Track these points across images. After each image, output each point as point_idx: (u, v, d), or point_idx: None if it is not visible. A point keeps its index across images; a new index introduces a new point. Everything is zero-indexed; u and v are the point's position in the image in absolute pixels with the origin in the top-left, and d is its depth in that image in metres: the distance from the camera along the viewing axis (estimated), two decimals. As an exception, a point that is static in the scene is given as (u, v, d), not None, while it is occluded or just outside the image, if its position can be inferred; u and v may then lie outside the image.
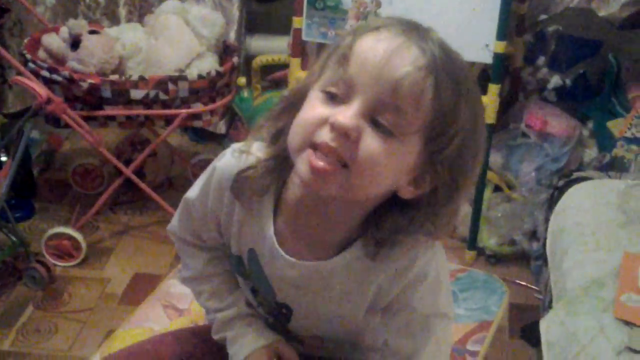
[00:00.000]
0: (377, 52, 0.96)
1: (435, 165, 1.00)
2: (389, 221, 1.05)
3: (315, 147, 0.97)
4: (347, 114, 0.95)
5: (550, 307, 1.74)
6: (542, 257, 2.14)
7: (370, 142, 0.96)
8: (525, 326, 2.23)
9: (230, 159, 1.14)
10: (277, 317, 1.23)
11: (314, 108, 0.99)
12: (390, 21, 1.01)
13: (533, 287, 2.42)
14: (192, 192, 1.22)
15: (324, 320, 1.19)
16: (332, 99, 0.98)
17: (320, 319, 1.19)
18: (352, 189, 0.98)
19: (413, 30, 0.99)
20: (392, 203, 1.05)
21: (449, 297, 1.17)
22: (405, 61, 0.95)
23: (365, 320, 1.16)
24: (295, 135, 1.01)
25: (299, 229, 1.11)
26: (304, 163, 0.98)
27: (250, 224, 1.15)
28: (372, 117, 0.96)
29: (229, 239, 1.20)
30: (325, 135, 0.96)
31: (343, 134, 0.95)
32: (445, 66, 0.97)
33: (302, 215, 1.10)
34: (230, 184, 1.14)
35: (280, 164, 1.09)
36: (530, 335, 2.16)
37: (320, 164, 0.96)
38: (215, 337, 1.28)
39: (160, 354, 1.30)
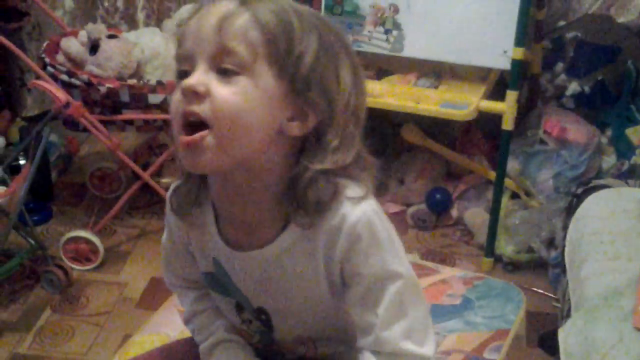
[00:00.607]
0: (195, 18, 1.04)
1: (304, 93, 1.03)
2: (300, 172, 1.05)
3: (185, 128, 1.01)
4: (192, 76, 1.01)
5: (568, 316, 1.73)
6: (560, 265, 2.13)
7: (221, 89, 1.00)
8: (543, 335, 2.22)
9: (173, 183, 1.20)
10: (262, 326, 1.24)
11: (175, 95, 1.04)
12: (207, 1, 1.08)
13: (551, 295, 2.41)
14: (163, 235, 1.29)
15: (300, 314, 1.19)
16: (184, 76, 1.03)
17: (296, 314, 1.19)
18: (227, 144, 1.01)
19: None
20: (295, 162, 1.07)
21: (396, 255, 1.11)
22: (219, 9, 1.02)
23: (339, 305, 1.16)
24: (172, 128, 1.05)
25: (232, 220, 1.13)
26: (180, 149, 1.03)
27: (203, 235, 1.18)
28: (218, 68, 1.01)
29: (197, 258, 1.23)
30: (183, 107, 1.01)
31: (192, 93, 1.00)
32: (258, 2, 1.03)
33: (227, 205, 1.12)
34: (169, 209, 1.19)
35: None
36: (548, 344, 2.15)
37: (187, 138, 1.00)
38: None
39: None
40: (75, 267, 2.55)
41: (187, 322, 1.34)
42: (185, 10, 2.67)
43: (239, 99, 1.00)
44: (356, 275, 1.10)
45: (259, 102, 1.01)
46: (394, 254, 1.11)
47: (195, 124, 1.01)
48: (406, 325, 1.12)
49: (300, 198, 1.05)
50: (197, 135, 1.00)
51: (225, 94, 1.00)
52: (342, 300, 1.15)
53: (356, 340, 1.16)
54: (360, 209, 1.07)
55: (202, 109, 1.00)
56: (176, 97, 1.03)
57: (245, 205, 1.10)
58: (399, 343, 1.11)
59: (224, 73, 1.01)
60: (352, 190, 1.08)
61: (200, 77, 1.00)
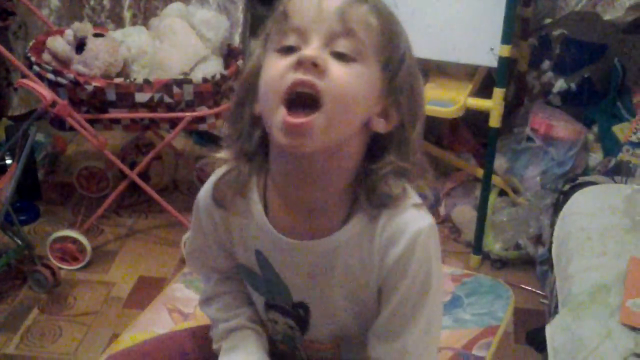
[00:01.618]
0: None
1: (396, 94, 1.06)
2: (373, 168, 1.08)
3: (287, 100, 1.00)
4: (309, 48, 1.01)
5: (556, 312, 1.74)
6: (548, 261, 2.13)
7: (337, 69, 1.00)
8: (530, 331, 2.23)
9: (208, 183, 1.19)
10: (294, 325, 1.23)
11: (275, 65, 1.03)
12: None
13: (538, 291, 2.42)
14: (190, 232, 1.29)
15: (339, 315, 1.19)
16: (289, 51, 1.03)
17: (336, 315, 1.19)
18: (332, 127, 1.01)
19: None
20: (373, 155, 1.09)
21: (439, 279, 1.15)
22: None
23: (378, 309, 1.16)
24: (265, 96, 1.04)
25: (294, 205, 1.13)
26: (279, 128, 1.01)
27: (247, 226, 1.16)
28: (331, 50, 1.02)
29: (235, 252, 1.22)
30: (294, 75, 1.00)
31: (311, 64, 0.99)
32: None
33: (292, 188, 1.11)
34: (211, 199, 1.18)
35: (252, 157, 1.12)
36: (535, 340, 2.16)
37: (295, 121, 0.99)
38: (215, 346, 1.28)
39: (158, 356, 1.31)
40: (63, 267, 2.54)
41: (206, 301, 1.32)
42: (174, 8, 2.66)
43: (354, 81, 1.02)
44: (398, 282, 1.11)
45: (366, 90, 1.04)
46: (437, 272, 1.13)
47: (297, 101, 1.00)
48: (423, 347, 1.15)
49: (371, 188, 1.08)
50: (309, 118, 0.99)
51: (342, 75, 1.01)
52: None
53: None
54: (424, 221, 1.10)
55: (319, 82, 0.99)
56: (279, 68, 1.02)
57: (314, 189, 1.10)
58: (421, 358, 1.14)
59: (339, 57, 1.01)
60: (415, 197, 1.11)
61: (318, 51, 1.00)
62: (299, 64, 0.99)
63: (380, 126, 1.07)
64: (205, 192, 1.19)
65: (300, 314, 1.21)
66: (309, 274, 1.15)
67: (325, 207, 1.11)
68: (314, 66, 0.99)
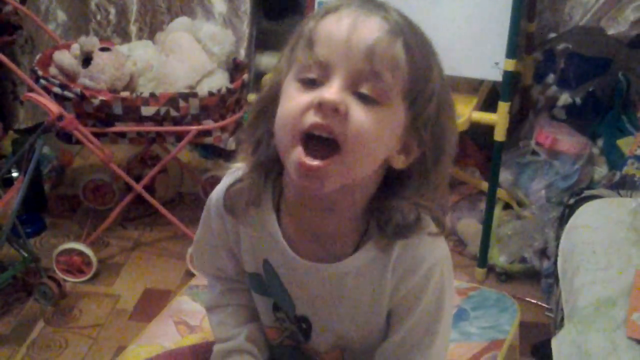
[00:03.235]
0: (342, 27, 0.97)
1: (419, 130, 1.02)
2: (389, 200, 1.05)
3: (305, 139, 0.97)
4: (331, 91, 0.96)
5: (561, 325, 1.74)
6: (553, 275, 2.13)
7: (359, 114, 0.96)
8: (536, 344, 2.22)
9: (222, 184, 1.17)
10: (296, 333, 1.23)
11: (294, 98, 0.99)
12: (346, 0, 1.02)
13: (544, 305, 2.41)
14: (198, 229, 1.26)
15: (342, 332, 1.19)
16: (310, 84, 0.99)
17: (339, 332, 1.19)
18: (350, 171, 0.99)
19: (369, 3, 1.01)
20: (388, 184, 1.06)
21: (451, 307, 1.15)
22: (372, 29, 0.97)
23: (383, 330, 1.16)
24: (282, 131, 1.00)
25: (306, 227, 1.11)
26: (294, 167, 0.98)
27: (258, 236, 1.15)
28: (354, 90, 0.97)
29: (242, 257, 1.21)
30: (312, 118, 0.96)
31: (332, 109, 0.95)
32: (408, 29, 1.00)
33: (304, 211, 1.09)
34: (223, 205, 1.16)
35: (267, 169, 1.10)
36: (541, 353, 2.16)
37: (311, 164, 0.96)
38: None
39: None
40: (69, 279, 2.54)
41: (209, 310, 1.33)
42: (180, 22, 2.67)
43: (375, 127, 0.97)
44: (410, 310, 1.11)
45: (388, 134, 1.00)
46: (449, 303, 1.13)
47: (316, 140, 0.97)
48: None
49: (385, 218, 1.05)
50: (325, 162, 0.96)
51: (364, 119, 0.96)
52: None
53: None
54: (440, 252, 1.09)
55: (338, 128, 0.96)
56: (298, 104, 0.98)
57: (326, 217, 1.08)
58: None
59: (363, 98, 0.97)
60: (432, 226, 1.08)
61: (340, 94, 0.96)
62: (319, 107, 0.96)
63: (399, 163, 1.04)
64: (217, 194, 1.18)
65: (302, 326, 1.21)
66: (315, 294, 1.15)
67: (337, 234, 1.10)
68: (335, 111, 0.95)
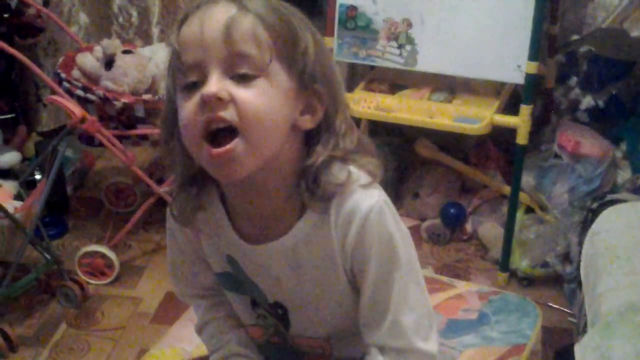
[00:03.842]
0: (194, 27, 1.02)
1: (312, 87, 1.06)
2: (317, 169, 1.08)
3: (207, 136, 1.01)
4: (210, 84, 1.00)
5: (584, 331, 1.73)
6: (576, 280, 2.12)
7: (243, 93, 1.00)
8: (559, 350, 2.21)
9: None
10: (278, 325, 1.25)
11: (185, 106, 1.03)
12: (194, 5, 1.06)
13: (566, 310, 2.40)
14: (167, 252, 1.31)
15: (317, 307, 1.20)
16: (194, 88, 1.02)
17: (314, 308, 1.20)
18: (258, 147, 1.02)
19: (209, 1, 1.05)
20: (305, 151, 1.09)
21: (404, 245, 1.14)
22: (219, 15, 1.01)
23: (356, 299, 1.17)
24: (187, 139, 1.05)
25: (250, 216, 1.14)
26: (207, 162, 1.03)
27: (216, 235, 1.19)
28: (232, 75, 1.01)
29: (210, 260, 1.24)
30: (204, 115, 1.00)
31: (215, 100, 0.99)
32: (255, 3, 1.04)
33: (243, 202, 1.13)
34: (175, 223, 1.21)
35: (192, 176, 1.14)
36: (564, 359, 2.15)
37: (219, 150, 1.00)
38: None
39: None
40: (91, 282, 2.56)
41: (199, 331, 1.36)
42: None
43: (262, 100, 1.01)
44: (365, 264, 1.12)
45: (279, 101, 1.03)
46: (402, 245, 1.13)
47: (217, 133, 1.01)
48: (413, 319, 1.14)
49: (314, 183, 1.08)
50: (229, 146, 1.00)
51: (249, 97, 1.00)
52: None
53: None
54: (372, 198, 1.10)
55: (230, 115, 1.00)
56: (189, 109, 1.02)
57: (262, 201, 1.11)
58: (407, 337, 1.14)
59: (242, 78, 1.01)
60: (363, 177, 1.10)
61: (217, 84, 1.00)
62: (204, 103, 1.00)
63: (308, 123, 1.08)
64: (168, 211, 1.21)
65: (279, 313, 1.23)
66: (276, 276, 1.17)
67: (278, 212, 1.12)
68: (219, 100, 0.99)
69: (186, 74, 1.03)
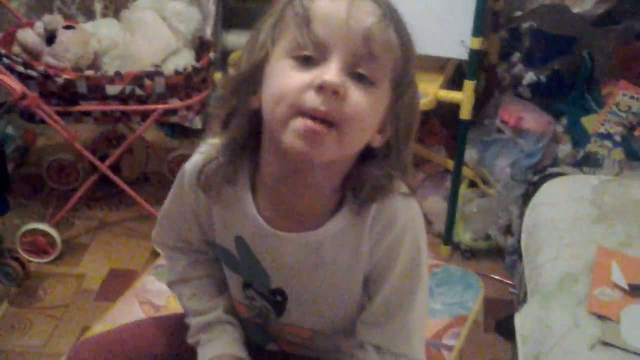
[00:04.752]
0: (340, 8, 1.00)
1: (398, 112, 1.06)
2: (364, 173, 1.08)
3: (303, 114, 0.98)
4: (332, 73, 0.98)
5: (524, 301, 1.76)
6: (517, 252, 2.15)
7: (357, 96, 1.00)
8: (500, 320, 2.24)
9: (196, 158, 1.17)
10: (266, 310, 1.25)
11: (291, 75, 1.00)
12: None
13: (508, 281, 2.43)
14: (168, 199, 1.26)
15: (318, 304, 1.21)
16: (306, 62, 1.00)
17: (315, 303, 1.21)
18: (343, 147, 1.02)
19: None
20: (362, 159, 1.10)
21: (424, 262, 1.17)
22: (368, 12, 1.01)
23: (363, 300, 1.18)
24: (277, 105, 1.01)
25: (282, 203, 1.13)
26: (294, 132, 0.99)
27: (231, 213, 1.17)
28: (351, 72, 1.00)
29: (213, 233, 1.22)
30: (313, 100, 0.98)
31: (332, 92, 0.97)
32: (397, 15, 1.05)
33: (283, 188, 1.11)
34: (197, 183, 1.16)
35: (242, 146, 1.11)
36: (504, 329, 2.18)
37: (316, 126, 0.98)
38: (190, 340, 1.29)
39: (127, 343, 1.32)
40: (33, 260, 2.53)
41: (174, 284, 1.33)
42: (145, 0, 2.65)
43: (369, 109, 1.02)
44: (390, 269, 1.13)
45: (378, 115, 1.04)
46: (425, 258, 1.16)
47: (314, 116, 0.99)
48: (418, 328, 1.19)
49: (359, 185, 1.09)
50: (324, 128, 0.98)
51: (361, 102, 1.00)
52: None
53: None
54: (412, 209, 1.13)
55: (334, 110, 0.98)
56: (297, 81, 0.99)
57: (303, 194, 1.11)
58: (409, 344, 1.18)
59: (359, 78, 1.00)
60: (403, 187, 1.12)
61: (340, 77, 0.98)
62: (320, 89, 0.97)
63: (377, 142, 1.08)
64: (191, 169, 1.18)
65: (277, 300, 1.23)
66: (293, 266, 1.16)
67: (313, 208, 1.12)
68: (335, 93, 0.97)
69: (306, 45, 1.00)
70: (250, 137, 1.10)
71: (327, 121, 0.98)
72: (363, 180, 1.08)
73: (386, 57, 1.01)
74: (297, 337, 1.28)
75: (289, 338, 1.30)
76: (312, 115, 0.98)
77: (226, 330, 1.28)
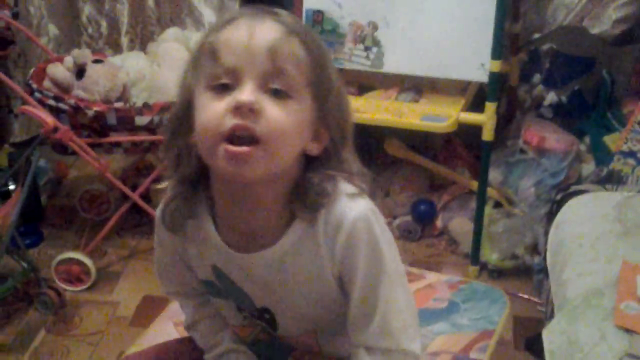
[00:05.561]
0: (242, 34, 1.06)
1: (326, 118, 1.11)
2: (307, 181, 1.12)
3: (227, 139, 1.03)
4: (245, 92, 1.03)
5: (552, 317, 1.77)
6: (544, 270, 2.16)
7: (274, 110, 1.04)
8: (530, 338, 2.25)
9: (161, 203, 1.22)
10: (265, 324, 1.28)
11: (210, 106, 1.06)
12: (239, 11, 1.13)
13: (536, 300, 2.44)
14: (155, 251, 1.33)
15: (303, 312, 1.24)
16: (222, 89, 1.05)
17: (300, 312, 1.24)
18: (272, 159, 1.05)
19: (261, 10, 1.10)
20: (306, 169, 1.14)
21: (390, 252, 1.17)
22: (269, 30, 1.06)
23: (345, 301, 1.20)
24: (204, 137, 1.06)
25: (239, 225, 1.17)
26: (222, 158, 1.04)
27: (201, 245, 1.22)
28: (266, 89, 1.05)
29: (193, 267, 1.27)
30: (233, 120, 1.03)
31: (248, 109, 1.02)
32: (301, 28, 1.10)
33: (236, 211, 1.16)
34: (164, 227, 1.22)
35: (194, 181, 1.16)
36: (534, 347, 2.18)
37: (238, 149, 1.03)
38: None
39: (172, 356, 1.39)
40: (68, 288, 2.57)
41: (189, 329, 1.39)
42: (171, 33, 2.71)
43: (289, 120, 1.06)
44: (354, 269, 1.15)
45: (301, 125, 1.08)
46: (388, 250, 1.16)
47: (238, 138, 1.04)
48: (401, 320, 1.18)
49: (305, 194, 1.12)
50: (246, 149, 1.03)
51: (278, 115, 1.05)
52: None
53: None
54: (358, 207, 1.14)
55: (256, 126, 1.03)
56: (217, 109, 1.04)
57: (255, 211, 1.15)
58: (394, 338, 1.18)
59: (275, 94, 1.05)
60: (349, 188, 1.15)
61: (253, 94, 1.03)
62: (237, 110, 1.03)
63: (315, 150, 1.12)
64: (158, 214, 1.24)
65: (266, 317, 1.26)
66: (264, 283, 1.20)
67: (267, 224, 1.16)
68: (251, 111, 1.03)
69: (219, 75, 1.06)
70: (201, 171, 1.15)
71: (249, 139, 1.03)
72: (307, 188, 1.12)
73: (296, 68, 1.06)
74: (305, 345, 1.32)
75: (301, 347, 1.33)
76: (236, 136, 1.03)
77: (239, 358, 1.33)
